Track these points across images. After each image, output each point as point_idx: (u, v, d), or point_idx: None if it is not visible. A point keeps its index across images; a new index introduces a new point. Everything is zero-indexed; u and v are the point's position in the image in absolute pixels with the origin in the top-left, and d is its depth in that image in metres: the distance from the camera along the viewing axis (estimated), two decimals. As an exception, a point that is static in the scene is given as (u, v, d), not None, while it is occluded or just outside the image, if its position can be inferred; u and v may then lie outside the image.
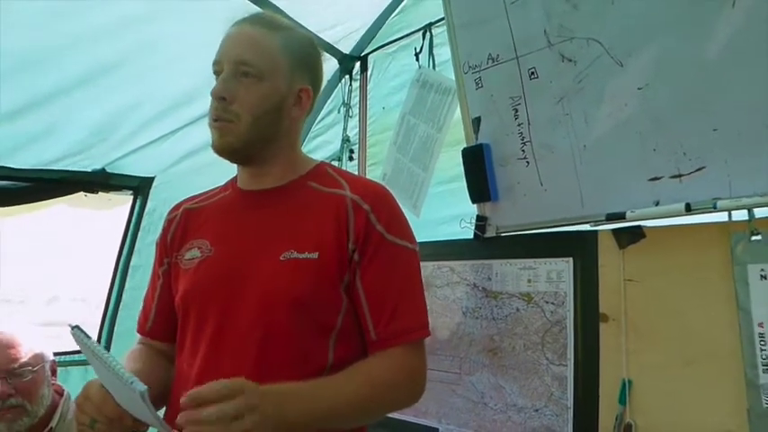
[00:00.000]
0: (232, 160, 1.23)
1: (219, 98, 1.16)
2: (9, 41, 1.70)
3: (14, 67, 1.78)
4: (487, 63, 1.65)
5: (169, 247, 1.31)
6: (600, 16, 1.39)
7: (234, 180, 1.32)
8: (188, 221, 1.31)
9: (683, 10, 1.25)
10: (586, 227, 1.47)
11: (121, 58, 1.94)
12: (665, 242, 1.33)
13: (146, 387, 0.91)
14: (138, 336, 1.36)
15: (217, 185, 1.37)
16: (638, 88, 1.33)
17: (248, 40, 1.18)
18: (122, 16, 1.80)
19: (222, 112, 1.17)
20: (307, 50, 1.24)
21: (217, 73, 1.19)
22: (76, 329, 1.03)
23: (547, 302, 1.52)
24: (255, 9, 1.91)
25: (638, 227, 1.37)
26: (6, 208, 2.17)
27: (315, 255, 1.14)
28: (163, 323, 1.32)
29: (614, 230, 1.41)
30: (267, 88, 1.17)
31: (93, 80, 1.93)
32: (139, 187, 2.44)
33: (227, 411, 0.92)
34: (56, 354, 1.88)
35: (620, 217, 1.36)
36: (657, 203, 1.31)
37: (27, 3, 1.65)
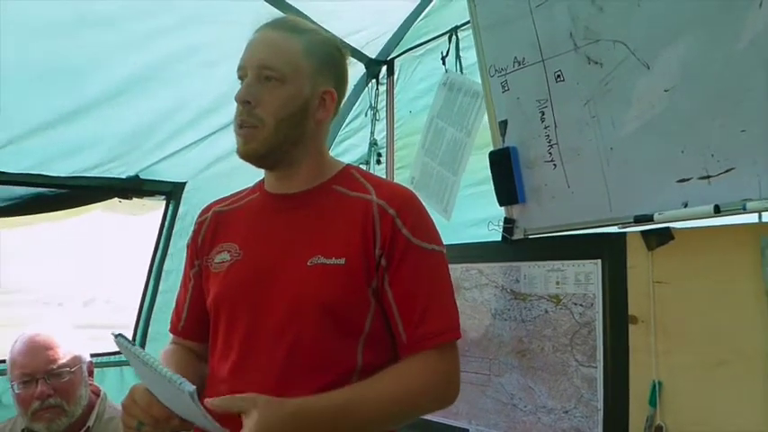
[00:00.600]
0: (258, 165, 1.24)
1: (243, 102, 1.18)
2: (46, 53, 1.77)
3: (51, 78, 1.84)
4: (513, 66, 1.65)
5: (199, 249, 1.33)
6: (626, 18, 1.39)
7: (262, 182, 1.33)
8: (218, 224, 1.32)
9: (710, 11, 1.25)
10: (614, 229, 1.47)
11: (154, 68, 1.99)
12: (694, 244, 1.33)
13: (194, 387, 0.93)
14: (171, 336, 1.39)
15: (245, 188, 1.39)
16: (665, 90, 1.33)
17: (270, 45, 1.19)
18: (156, 27, 1.85)
19: (246, 117, 1.18)
20: (330, 52, 1.24)
21: (241, 78, 1.21)
22: (120, 338, 1.06)
23: (575, 304, 1.53)
24: (278, 14, 1.96)
25: (667, 228, 1.36)
26: (44, 214, 2.24)
27: (342, 261, 1.15)
28: (194, 323, 1.35)
29: (643, 232, 1.41)
30: (290, 91, 1.18)
31: (127, 90, 1.99)
32: (172, 192, 2.50)
33: None
34: (92, 355, 1.94)
35: (649, 219, 1.36)
36: (686, 205, 1.31)
37: (65, 15, 1.71)
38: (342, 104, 1.31)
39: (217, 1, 1.84)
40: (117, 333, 1.05)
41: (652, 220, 1.35)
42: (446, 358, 1.18)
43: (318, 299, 1.14)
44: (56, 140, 2.04)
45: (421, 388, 1.15)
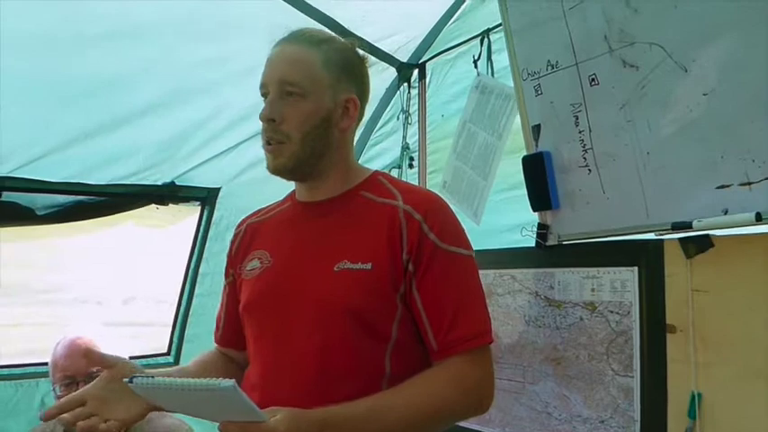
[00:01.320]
0: (288, 179, 1.27)
1: (268, 120, 1.19)
2: (85, 66, 1.81)
3: (90, 90, 1.89)
4: (547, 70, 1.63)
5: (233, 259, 1.37)
6: (662, 20, 1.36)
7: (293, 193, 1.36)
8: (252, 235, 1.36)
9: (749, 11, 1.21)
10: (651, 235, 1.44)
11: (189, 77, 2.02)
12: (734, 252, 1.29)
13: (233, 381, 0.89)
14: (216, 345, 1.43)
15: (279, 198, 1.41)
16: (704, 94, 1.29)
17: (289, 60, 1.20)
18: (190, 37, 1.88)
19: (273, 134, 1.20)
20: (348, 59, 1.25)
21: (264, 95, 1.22)
22: (136, 380, 0.98)
23: (611, 312, 1.50)
24: (315, 24, 1.97)
25: (707, 236, 1.32)
26: (82, 222, 2.30)
27: (368, 266, 1.15)
28: (231, 332, 1.38)
29: (681, 239, 1.37)
30: (313, 104, 1.19)
31: (163, 100, 2.04)
32: (206, 198, 2.54)
33: None
34: (131, 357, 1.97)
35: (687, 226, 1.32)
36: (726, 212, 1.27)
37: (103, 29, 1.75)
38: (365, 108, 1.31)
39: (249, 10, 1.86)
40: (129, 379, 0.98)
41: (690, 228, 1.32)
42: (478, 363, 1.17)
43: (344, 304, 1.15)
44: (95, 150, 2.10)
45: (452, 394, 1.14)
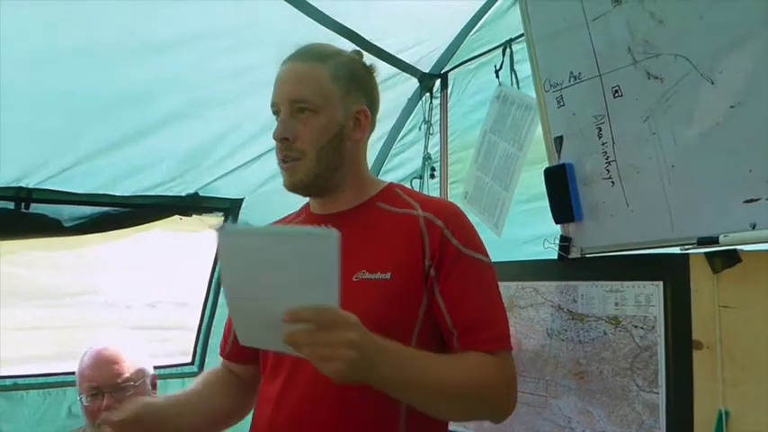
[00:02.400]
0: (305, 195, 1.27)
1: (282, 139, 1.20)
2: (112, 80, 1.84)
3: (116, 103, 1.92)
4: (569, 81, 1.62)
5: None
6: (687, 32, 1.34)
7: (307, 205, 1.36)
8: None
9: (778, 23, 1.19)
10: (676, 250, 1.42)
11: (211, 89, 2.04)
12: (762, 267, 1.26)
13: (336, 231, 0.85)
14: (221, 359, 1.44)
15: (294, 209, 1.41)
16: (731, 106, 1.27)
17: (298, 77, 1.21)
18: (213, 50, 1.90)
19: (288, 152, 1.21)
20: (356, 72, 1.26)
21: (276, 114, 1.23)
22: (224, 229, 0.93)
23: (635, 327, 1.48)
24: (337, 37, 1.98)
25: (734, 251, 1.30)
26: (107, 233, 2.33)
27: (387, 275, 1.15)
28: (239, 346, 1.34)
29: (707, 254, 1.35)
30: (325, 119, 1.20)
31: (186, 112, 2.06)
32: (230, 209, 2.56)
33: (323, 339, 0.92)
34: (156, 367, 1.99)
35: (714, 241, 1.30)
36: (754, 227, 1.25)
37: (130, 43, 1.78)
38: (376, 119, 1.31)
39: (272, 24, 1.88)
40: (218, 228, 0.92)
41: (717, 243, 1.30)
42: (505, 365, 1.15)
43: (363, 313, 1.12)
44: (120, 161, 2.13)
45: (486, 378, 1.12)
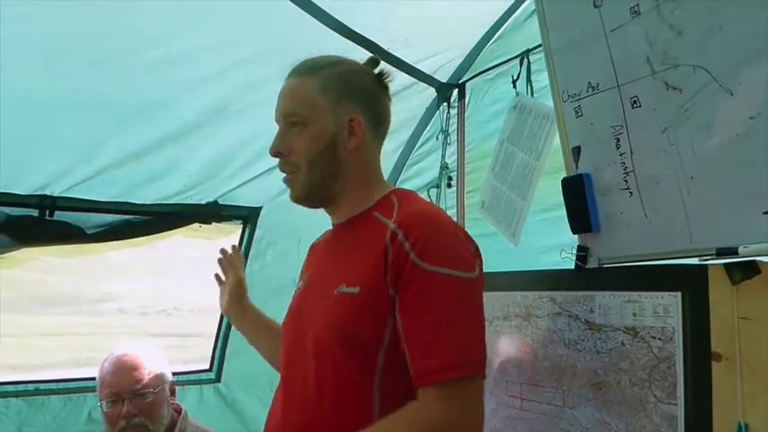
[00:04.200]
0: (307, 206, 1.29)
1: (276, 154, 1.25)
2: (135, 89, 1.88)
3: (137, 113, 1.96)
4: (587, 91, 1.62)
5: (299, 277, 1.42)
6: (707, 43, 1.34)
7: None
8: (310, 256, 1.43)
9: (798, 35, 1.19)
10: (695, 260, 1.41)
11: (231, 99, 2.08)
12: (782, 279, 1.26)
13: None
14: None
15: (318, 218, 1.42)
16: (750, 117, 1.27)
17: (289, 93, 1.25)
18: (232, 60, 1.93)
19: (284, 166, 1.25)
20: (349, 80, 1.25)
21: None
22: None
23: (654, 338, 1.47)
24: (356, 48, 2.00)
25: (753, 262, 1.29)
26: (130, 240, 2.37)
27: (356, 289, 1.14)
28: None
29: (726, 265, 1.34)
30: (315, 131, 1.21)
31: (206, 121, 2.09)
32: (248, 217, 2.58)
33: None
34: (174, 373, 2.02)
35: (732, 252, 1.29)
36: (774, 238, 1.24)
37: (152, 55, 1.82)
38: (383, 126, 1.30)
39: (292, 34, 1.90)
40: None
41: (736, 254, 1.29)
42: (452, 400, 1.07)
43: (336, 328, 1.15)
44: (141, 170, 2.17)
45: None
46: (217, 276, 1.74)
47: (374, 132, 1.28)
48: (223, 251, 1.72)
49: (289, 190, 1.27)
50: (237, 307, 1.67)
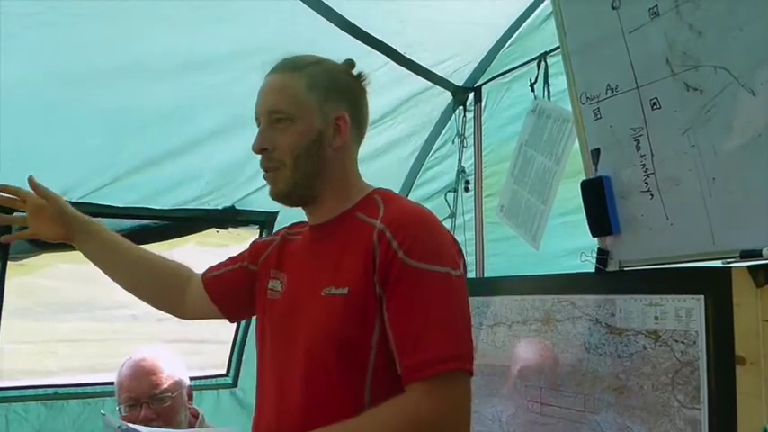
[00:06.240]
0: (288, 204, 1.27)
1: (261, 150, 1.22)
2: (154, 97, 1.89)
3: (156, 120, 1.97)
4: (606, 94, 1.61)
5: (262, 263, 1.38)
6: (727, 43, 1.33)
7: None
8: (280, 251, 1.36)
9: (822, 34, 1.18)
10: (718, 263, 1.40)
11: (247, 105, 2.08)
12: (808, 281, 1.24)
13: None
14: (199, 274, 1.49)
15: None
16: (773, 118, 1.26)
17: (274, 89, 1.23)
18: (247, 67, 1.94)
19: (268, 162, 1.22)
20: (334, 78, 1.24)
21: (259, 127, 1.25)
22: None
23: (676, 341, 1.45)
24: (372, 52, 2.00)
25: (777, 264, 1.28)
26: (147, 245, 2.38)
27: (345, 290, 1.14)
28: (219, 287, 1.44)
29: (750, 267, 1.33)
30: (301, 127, 1.19)
31: (224, 127, 2.11)
32: (265, 222, 2.59)
33: None
34: (192, 378, 2.02)
35: (756, 255, 1.28)
36: (799, 240, 1.23)
37: (171, 63, 1.83)
38: (364, 127, 1.30)
39: (308, 38, 1.91)
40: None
41: (760, 256, 1.28)
42: (440, 393, 1.07)
43: (325, 330, 1.14)
44: (159, 176, 2.18)
45: (393, 429, 1.07)
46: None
47: (356, 132, 1.27)
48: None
49: (269, 186, 1.25)
50: (62, 229, 1.47)
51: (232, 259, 1.46)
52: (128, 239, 1.52)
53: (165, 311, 1.53)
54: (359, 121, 1.28)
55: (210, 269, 1.48)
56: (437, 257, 1.13)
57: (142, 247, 1.55)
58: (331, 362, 1.13)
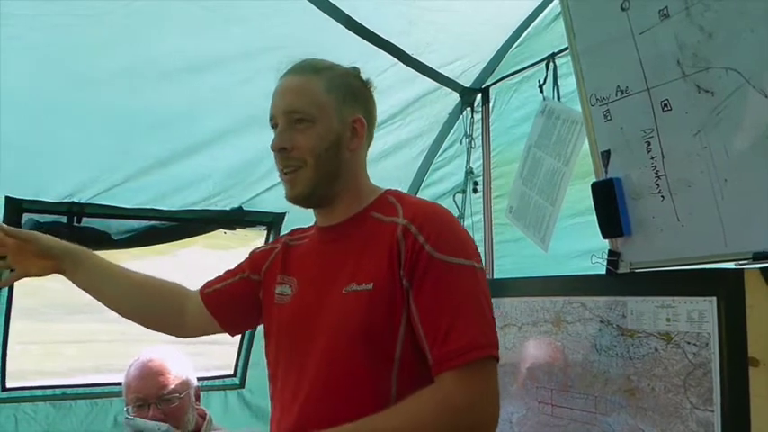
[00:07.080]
0: (306, 206, 1.28)
1: (280, 149, 1.23)
2: (162, 98, 1.89)
3: (164, 122, 1.97)
4: (616, 95, 1.60)
5: (265, 272, 1.39)
6: (738, 45, 1.32)
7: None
8: (284, 257, 1.37)
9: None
10: (730, 265, 1.39)
11: (255, 106, 2.08)
12: (821, 283, 1.23)
13: None
14: (196, 291, 1.48)
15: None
16: (786, 119, 1.25)
17: (294, 89, 1.24)
18: (256, 69, 1.94)
19: (287, 161, 1.23)
20: (351, 83, 1.27)
21: (274, 127, 1.26)
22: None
23: (688, 343, 1.45)
24: (380, 52, 2.00)
25: (790, 266, 1.27)
26: (155, 246, 2.39)
27: (369, 286, 1.15)
28: (219, 301, 1.43)
29: (762, 269, 1.32)
30: (321, 128, 1.21)
31: (232, 129, 2.11)
32: (273, 223, 2.59)
33: None
34: (199, 379, 2.02)
35: (769, 257, 1.27)
36: (812, 242, 1.22)
37: (177, 64, 1.83)
38: (373, 132, 1.33)
39: (316, 40, 1.91)
40: None
41: (773, 258, 1.27)
42: (472, 380, 1.09)
43: (350, 326, 1.15)
44: (167, 178, 2.19)
45: (434, 416, 1.08)
46: None
47: (368, 135, 1.30)
48: None
49: (287, 188, 1.25)
50: (50, 262, 1.43)
51: (230, 272, 1.47)
52: (127, 251, 1.54)
53: (163, 333, 1.52)
54: (371, 124, 1.31)
55: (208, 284, 1.48)
56: (462, 251, 1.17)
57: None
58: (357, 358, 1.15)
